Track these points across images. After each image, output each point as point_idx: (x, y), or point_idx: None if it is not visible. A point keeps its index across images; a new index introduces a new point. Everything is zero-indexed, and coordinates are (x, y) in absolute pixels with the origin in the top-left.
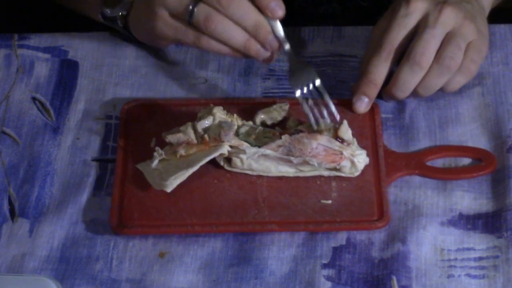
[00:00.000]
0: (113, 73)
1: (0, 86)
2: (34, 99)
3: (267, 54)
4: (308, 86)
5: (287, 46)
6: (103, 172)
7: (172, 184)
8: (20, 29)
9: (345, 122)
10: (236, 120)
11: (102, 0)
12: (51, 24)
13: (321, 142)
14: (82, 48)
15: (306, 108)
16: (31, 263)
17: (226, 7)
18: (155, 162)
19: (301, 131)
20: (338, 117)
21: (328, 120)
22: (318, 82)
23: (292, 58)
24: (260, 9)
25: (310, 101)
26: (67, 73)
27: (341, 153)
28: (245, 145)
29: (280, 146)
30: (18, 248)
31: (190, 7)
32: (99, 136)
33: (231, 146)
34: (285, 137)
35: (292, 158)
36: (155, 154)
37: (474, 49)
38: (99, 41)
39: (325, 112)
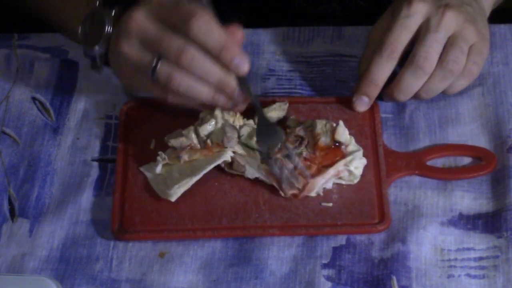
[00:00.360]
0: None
1: (0, 86)
2: (34, 99)
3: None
4: (276, 146)
5: (257, 104)
6: (103, 172)
7: (176, 193)
8: (20, 29)
9: (341, 123)
10: (238, 120)
11: (81, 39)
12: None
13: (319, 183)
14: (82, 48)
15: (276, 170)
16: (31, 263)
17: (187, 65)
18: (158, 167)
19: (302, 139)
20: (309, 176)
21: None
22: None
23: (260, 116)
24: (224, 66)
25: (279, 164)
26: (67, 73)
27: (338, 170)
28: (247, 158)
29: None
30: (18, 248)
31: (153, 64)
32: (99, 136)
33: (234, 152)
34: (283, 192)
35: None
36: (159, 158)
37: (475, 51)
38: None
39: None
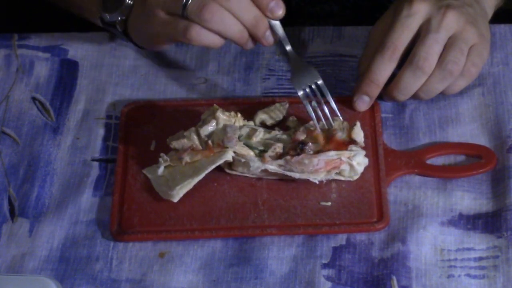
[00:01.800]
0: (113, 73)
1: (0, 86)
2: (34, 99)
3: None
4: (310, 87)
5: (288, 47)
6: (103, 172)
7: (178, 194)
8: (20, 29)
9: (358, 124)
10: (239, 120)
11: (101, 5)
12: (51, 24)
13: (321, 158)
14: (82, 48)
15: (309, 109)
16: (31, 263)
17: (226, 1)
18: (161, 169)
19: (304, 144)
20: (339, 114)
21: (330, 121)
22: (320, 81)
23: (293, 58)
24: (260, 9)
25: (313, 103)
26: (67, 73)
27: (340, 158)
28: (249, 155)
29: (281, 165)
30: (18, 248)
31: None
32: (99, 136)
33: (234, 152)
34: (285, 160)
35: (293, 174)
36: (161, 160)
37: (475, 53)
38: (99, 41)
39: (326, 110)
